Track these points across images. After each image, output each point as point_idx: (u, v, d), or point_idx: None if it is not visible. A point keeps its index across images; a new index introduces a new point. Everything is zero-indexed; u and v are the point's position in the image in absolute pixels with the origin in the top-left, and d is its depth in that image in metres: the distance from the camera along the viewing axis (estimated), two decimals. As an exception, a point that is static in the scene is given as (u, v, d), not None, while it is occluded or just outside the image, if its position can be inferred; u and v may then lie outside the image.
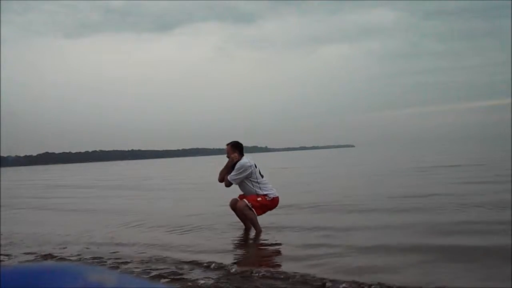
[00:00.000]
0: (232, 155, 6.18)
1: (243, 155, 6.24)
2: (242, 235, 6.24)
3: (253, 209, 6.05)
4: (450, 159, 24.93)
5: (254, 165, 6.13)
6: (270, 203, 6.16)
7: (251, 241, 6.03)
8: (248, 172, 6.06)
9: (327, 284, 3.82)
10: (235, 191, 6.44)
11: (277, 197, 6.22)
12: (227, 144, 6.28)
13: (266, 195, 6.10)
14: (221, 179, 6.27)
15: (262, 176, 6.21)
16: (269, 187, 6.20)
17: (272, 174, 11.35)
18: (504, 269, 4.04)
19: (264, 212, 6.20)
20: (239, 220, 6.35)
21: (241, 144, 6.32)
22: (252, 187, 6.10)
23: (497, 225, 5.88)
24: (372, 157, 43.23)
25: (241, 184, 6.18)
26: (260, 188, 6.10)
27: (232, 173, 6.09)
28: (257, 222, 6.16)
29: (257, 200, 6.06)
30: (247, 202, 6.03)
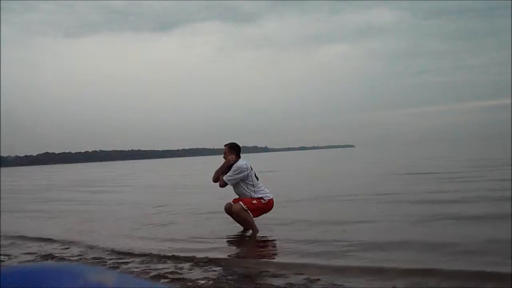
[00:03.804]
0: (229, 157, 6.20)
1: (240, 157, 6.26)
2: (240, 235, 6.24)
3: (248, 211, 6.07)
4: (441, 163, 24.35)
5: (250, 168, 6.16)
6: (266, 206, 6.18)
7: (249, 241, 6.03)
8: (244, 174, 6.08)
9: (327, 281, 3.83)
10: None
11: (272, 199, 6.25)
12: (225, 145, 6.31)
13: (261, 198, 6.12)
14: (215, 179, 6.29)
15: (257, 179, 6.24)
16: (264, 190, 6.23)
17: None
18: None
19: (260, 214, 6.22)
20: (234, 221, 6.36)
21: (239, 147, 6.35)
22: (246, 189, 6.12)
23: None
24: (360, 158, 43.20)
25: (236, 186, 6.19)
26: (254, 191, 6.12)
27: (228, 174, 6.12)
28: (253, 223, 6.17)
29: (252, 202, 6.08)
30: (242, 204, 6.04)
